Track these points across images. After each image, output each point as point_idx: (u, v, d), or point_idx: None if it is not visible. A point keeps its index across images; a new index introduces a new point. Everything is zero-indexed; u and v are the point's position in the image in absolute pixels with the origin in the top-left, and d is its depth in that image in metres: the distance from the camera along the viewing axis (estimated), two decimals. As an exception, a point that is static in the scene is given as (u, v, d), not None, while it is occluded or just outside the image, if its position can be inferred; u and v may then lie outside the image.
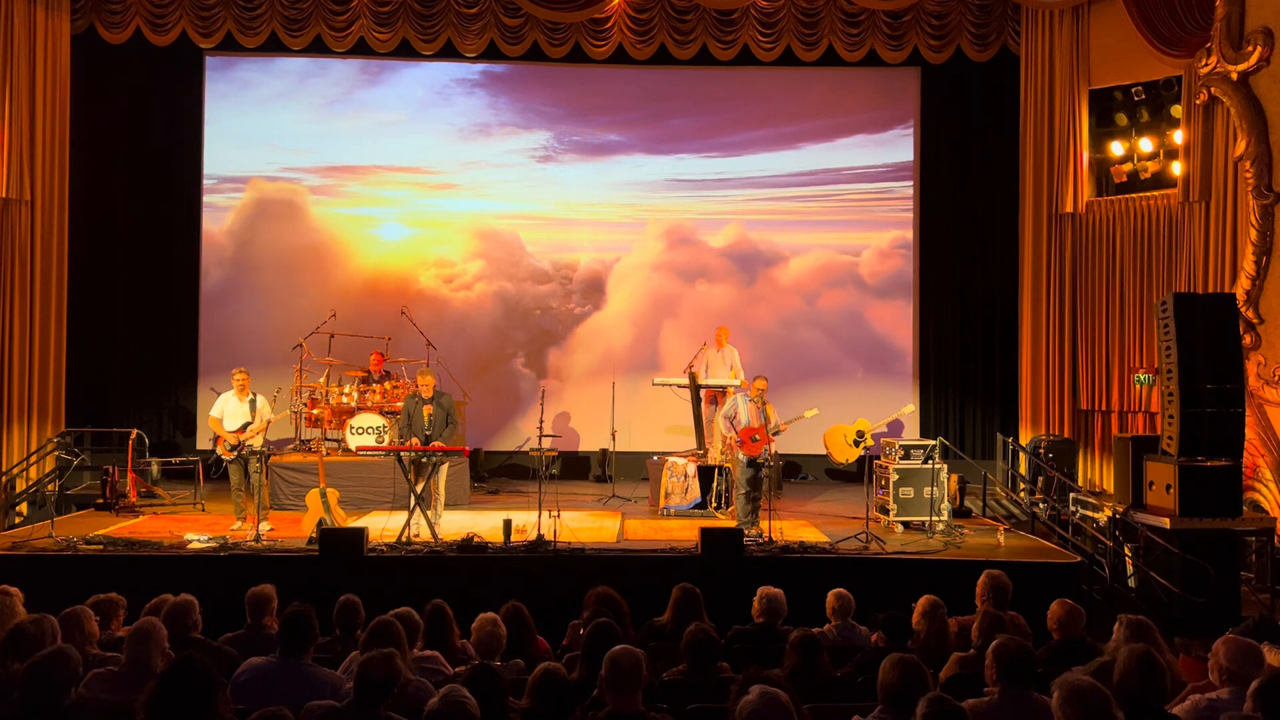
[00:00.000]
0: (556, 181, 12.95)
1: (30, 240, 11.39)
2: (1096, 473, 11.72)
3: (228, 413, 8.97)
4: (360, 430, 10.37)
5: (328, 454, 9.65)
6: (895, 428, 11.17)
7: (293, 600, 4.53)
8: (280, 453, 10.48)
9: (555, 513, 8.22)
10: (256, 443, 8.90)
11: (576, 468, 12.70)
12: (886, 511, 9.28)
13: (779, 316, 12.88)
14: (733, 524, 8.88)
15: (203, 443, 12.28)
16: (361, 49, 12.25)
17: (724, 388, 10.85)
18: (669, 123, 13.02)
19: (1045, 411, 11.88)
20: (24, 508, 10.27)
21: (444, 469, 8.82)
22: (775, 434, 9.01)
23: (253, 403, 8.95)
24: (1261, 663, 3.96)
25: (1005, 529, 9.14)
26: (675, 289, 12.97)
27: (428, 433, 8.68)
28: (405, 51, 12.31)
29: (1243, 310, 9.28)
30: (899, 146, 12.95)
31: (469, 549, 7.77)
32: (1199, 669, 4.29)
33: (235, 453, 8.87)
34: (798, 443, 11.66)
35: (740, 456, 9.08)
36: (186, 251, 12.50)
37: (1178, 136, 10.86)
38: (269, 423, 9.09)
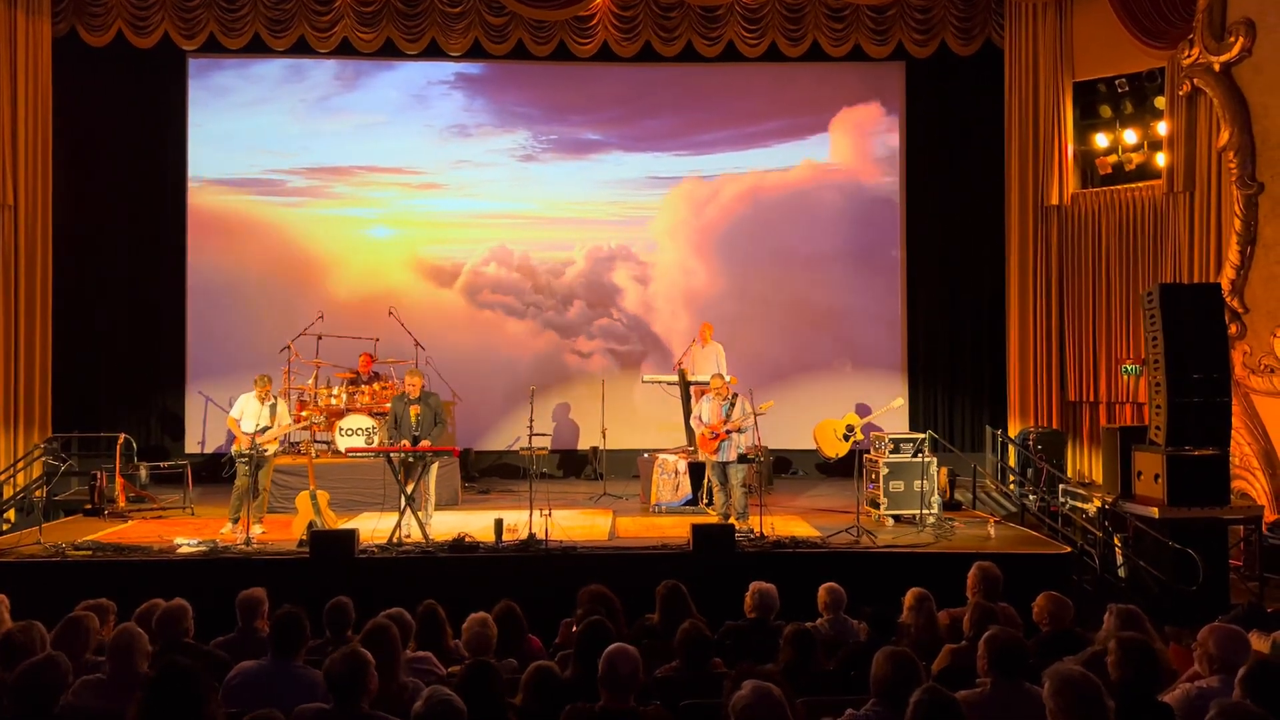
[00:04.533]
0: (542, 180, 12.92)
1: (14, 244, 11.32)
2: (1085, 464, 11.77)
3: (246, 414, 8.89)
4: (349, 432, 10.35)
5: (317, 456, 9.61)
6: (883, 420, 11.19)
7: (284, 603, 4.51)
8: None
9: (547, 511, 8.20)
10: (272, 447, 8.86)
11: (567, 466, 12.70)
12: (877, 505, 9.30)
13: (768, 312, 12.86)
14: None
15: (190, 446, 12.24)
16: (345, 49, 12.20)
17: (713, 384, 10.86)
18: (654, 120, 13.00)
19: (1034, 403, 11.94)
20: (11, 514, 10.19)
21: (434, 469, 8.79)
22: (730, 431, 8.99)
23: (273, 407, 8.85)
24: (1248, 649, 3.98)
25: (995, 521, 9.18)
26: (665, 286, 12.96)
27: (416, 433, 8.64)
28: (389, 51, 12.27)
29: (1228, 300, 9.33)
30: (884, 140, 12.97)
31: (460, 549, 7.76)
32: (1189, 658, 4.31)
33: (251, 456, 8.77)
34: (788, 438, 11.69)
35: (702, 455, 9.31)
36: (172, 254, 12.42)
37: (1161, 128, 10.91)
38: (286, 429, 9.04)
